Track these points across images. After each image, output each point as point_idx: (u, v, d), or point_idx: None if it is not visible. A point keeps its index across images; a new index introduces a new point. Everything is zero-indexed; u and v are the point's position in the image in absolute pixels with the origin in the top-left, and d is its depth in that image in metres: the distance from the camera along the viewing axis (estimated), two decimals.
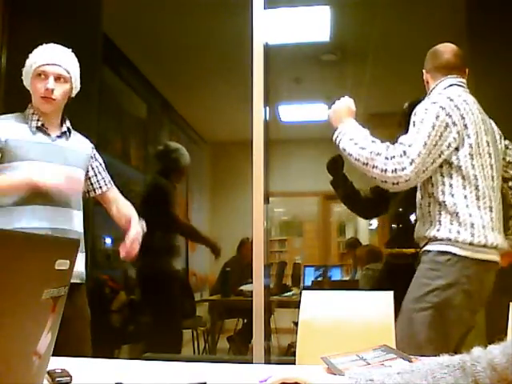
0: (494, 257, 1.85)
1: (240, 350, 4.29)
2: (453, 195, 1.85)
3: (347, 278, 4.85)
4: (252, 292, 2.67)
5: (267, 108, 2.87)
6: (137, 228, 1.94)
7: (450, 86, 2.01)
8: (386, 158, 1.78)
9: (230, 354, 4.42)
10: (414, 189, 2.04)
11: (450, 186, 1.86)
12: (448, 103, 1.87)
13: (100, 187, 2.10)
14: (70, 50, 2.02)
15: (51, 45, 1.99)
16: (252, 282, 2.67)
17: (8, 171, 1.85)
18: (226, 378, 1.26)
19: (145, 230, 1.97)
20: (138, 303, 3.84)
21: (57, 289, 0.86)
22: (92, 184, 2.09)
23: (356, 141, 1.87)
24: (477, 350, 0.82)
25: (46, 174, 1.80)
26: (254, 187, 2.70)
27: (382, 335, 1.63)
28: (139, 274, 3.73)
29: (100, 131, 2.41)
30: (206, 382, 1.10)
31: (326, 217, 5.81)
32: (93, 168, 2.09)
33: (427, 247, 1.90)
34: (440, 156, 1.84)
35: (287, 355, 3.78)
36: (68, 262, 0.88)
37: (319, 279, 4.87)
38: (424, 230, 1.93)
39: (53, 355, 0.94)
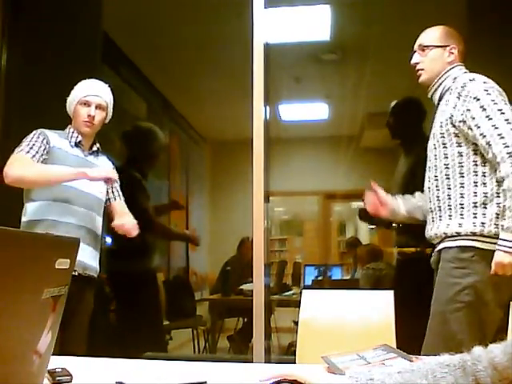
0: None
1: (240, 350, 4.29)
2: (485, 184, 1.79)
3: (347, 278, 4.85)
4: (252, 291, 2.67)
5: (267, 107, 2.87)
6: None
7: (465, 73, 1.97)
8: None
9: (231, 353, 4.41)
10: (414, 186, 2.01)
11: (483, 175, 1.80)
12: (491, 81, 1.85)
13: (114, 198, 2.43)
14: (107, 85, 2.36)
15: (94, 80, 2.35)
16: (252, 281, 2.67)
17: None
18: (227, 377, 1.26)
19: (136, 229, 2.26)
20: (122, 304, 3.78)
21: (57, 288, 0.86)
22: (107, 194, 2.42)
23: None
24: (477, 350, 0.81)
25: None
26: (254, 186, 2.71)
27: (382, 334, 1.64)
28: (117, 275, 3.60)
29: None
30: (206, 382, 1.10)
31: (327, 216, 5.79)
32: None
33: (446, 244, 1.86)
34: None
35: (287, 354, 3.78)
36: (68, 261, 0.88)
37: (319, 278, 4.86)
38: (444, 225, 1.87)
39: (55, 354, 0.94)
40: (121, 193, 2.46)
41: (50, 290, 0.83)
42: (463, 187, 1.83)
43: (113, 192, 2.44)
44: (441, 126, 1.91)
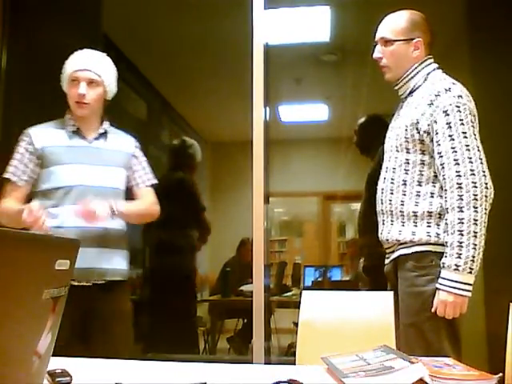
0: None
1: (240, 351, 4.29)
2: (442, 197, 1.73)
3: (347, 279, 4.85)
4: (252, 292, 2.67)
5: (267, 108, 2.87)
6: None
7: (435, 69, 1.88)
8: (475, 203, 1.63)
9: (230, 354, 4.41)
10: None
11: (441, 187, 1.73)
12: (466, 92, 1.75)
13: (137, 184, 2.16)
14: (105, 54, 2.08)
15: (85, 50, 2.06)
16: (252, 282, 2.67)
17: (45, 176, 1.96)
18: (226, 378, 1.26)
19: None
20: (148, 302, 3.85)
21: (57, 289, 0.86)
22: (133, 180, 2.15)
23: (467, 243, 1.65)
24: None
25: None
26: (254, 187, 2.70)
27: (382, 335, 1.63)
28: (152, 272, 3.84)
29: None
30: (206, 382, 1.10)
31: (326, 217, 5.80)
32: (133, 166, 2.15)
33: (401, 251, 1.82)
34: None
35: (287, 355, 3.78)
36: (68, 262, 0.88)
37: (319, 279, 4.86)
38: (396, 232, 1.82)
39: (55, 355, 0.94)
40: (149, 176, 2.18)
41: (50, 290, 0.83)
42: (419, 196, 1.77)
43: (135, 178, 2.15)
44: (406, 130, 1.81)
